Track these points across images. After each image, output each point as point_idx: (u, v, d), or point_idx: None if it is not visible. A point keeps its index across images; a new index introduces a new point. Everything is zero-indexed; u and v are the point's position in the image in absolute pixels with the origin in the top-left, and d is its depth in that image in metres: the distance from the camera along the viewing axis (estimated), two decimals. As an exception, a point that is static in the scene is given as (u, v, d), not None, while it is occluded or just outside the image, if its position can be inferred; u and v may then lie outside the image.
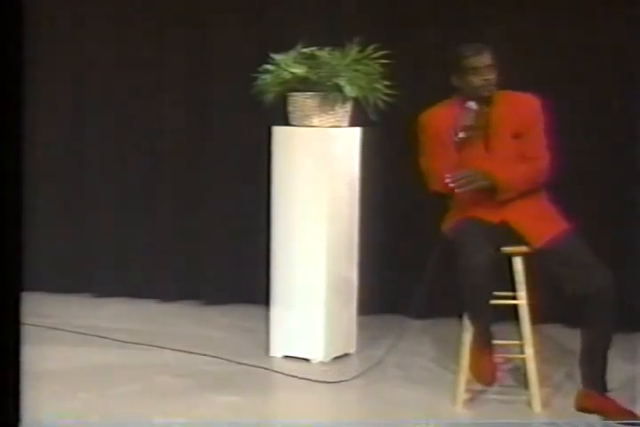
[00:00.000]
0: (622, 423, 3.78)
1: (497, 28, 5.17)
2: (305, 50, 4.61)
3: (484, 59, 3.92)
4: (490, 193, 3.92)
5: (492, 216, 3.96)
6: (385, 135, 5.14)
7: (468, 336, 3.98)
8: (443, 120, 3.95)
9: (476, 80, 3.93)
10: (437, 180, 3.95)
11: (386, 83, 4.61)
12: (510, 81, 4.00)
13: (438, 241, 4.08)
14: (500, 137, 3.97)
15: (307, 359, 4.65)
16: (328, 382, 4.30)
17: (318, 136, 4.62)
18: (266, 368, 4.52)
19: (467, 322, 3.97)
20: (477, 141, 3.96)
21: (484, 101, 3.96)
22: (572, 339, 4.80)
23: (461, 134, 3.89)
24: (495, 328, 3.93)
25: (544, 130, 4.00)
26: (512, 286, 3.99)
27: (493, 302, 3.86)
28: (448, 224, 4.06)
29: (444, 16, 5.39)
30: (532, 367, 3.97)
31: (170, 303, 5.86)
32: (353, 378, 4.35)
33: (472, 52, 3.93)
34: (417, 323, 5.39)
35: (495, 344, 3.94)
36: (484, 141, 3.98)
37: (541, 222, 3.95)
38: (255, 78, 4.65)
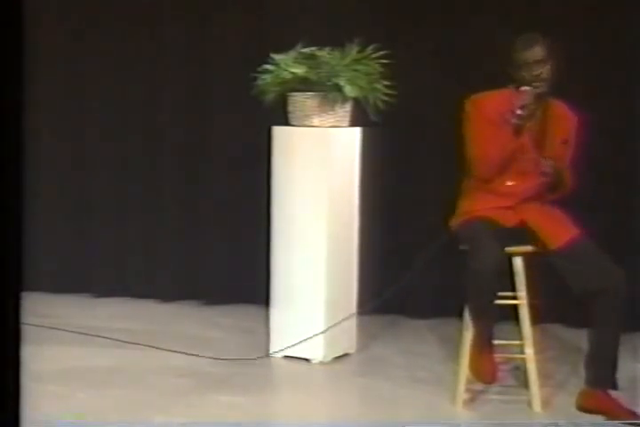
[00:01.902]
0: (625, 423, 3.78)
1: (498, 27, 5.17)
2: (305, 50, 4.61)
3: (535, 53, 3.89)
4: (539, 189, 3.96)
5: (507, 219, 3.95)
6: (385, 135, 5.14)
7: (468, 336, 3.98)
8: (498, 104, 3.90)
9: (527, 75, 3.90)
10: (487, 165, 3.93)
11: (386, 83, 4.61)
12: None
13: (442, 237, 4.09)
14: (553, 141, 4.00)
15: (307, 359, 4.65)
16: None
17: (318, 136, 4.62)
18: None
19: (467, 321, 3.97)
20: (528, 142, 3.96)
21: (537, 99, 3.92)
22: (573, 339, 4.81)
23: (519, 111, 3.81)
24: (495, 328, 3.93)
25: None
26: (512, 286, 3.99)
27: (496, 302, 3.86)
28: (457, 220, 4.05)
29: (444, 16, 5.39)
30: (531, 367, 3.97)
31: (170, 303, 5.85)
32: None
33: (523, 45, 3.91)
34: (417, 323, 5.39)
35: (495, 344, 3.94)
36: (536, 143, 3.98)
37: (559, 224, 3.96)
38: (255, 78, 4.65)
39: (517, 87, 3.91)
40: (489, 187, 3.98)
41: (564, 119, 4.04)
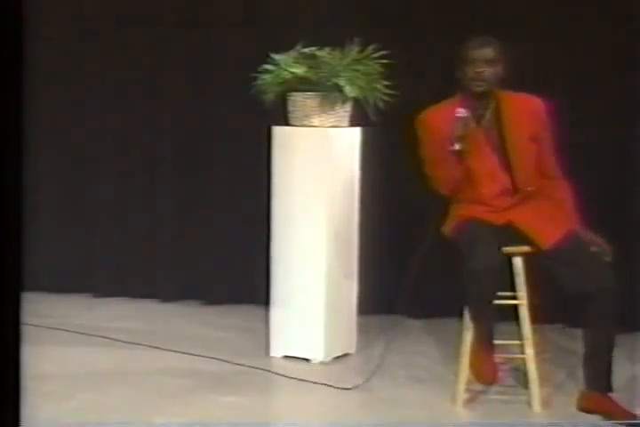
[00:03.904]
0: (624, 424, 3.78)
1: (497, 28, 5.16)
2: (305, 50, 4.61)
3: (485, 52, 3.87)
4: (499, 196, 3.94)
5: (496, 218, 3.94)
6: (385, 135, 5.14)
7: (468, 336, 3.98)
8: (442, 123, 3.89)
9: (470, 71, 3.88)
10: (444, 187, 4.00)
11: (386, 83, 4.61)
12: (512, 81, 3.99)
13: (426, 238, 4.10)
14: (518, 140, 3.95)
15: (307, 359, 4.65)
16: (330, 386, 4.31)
17: (318, 136, 4.62)
18: (266, 369, 4.53)
19: (467, 321, 3.97)
20: (487, 147, 3.93)
21: (482, 100, 3.93)
22: (573, 339, 4.80)
23: (457, 146, 3.84)
24: (495, 328, 3.93)
25: (551, 136, 4.03)
26: (512, 286, 3.99)
27: (496, 302, 3.86)
28: (449, 225, 4.05)
29: (445, 16, 5.39)
30: (532, 367, 3.97)
31: (170, 303, 5.85)
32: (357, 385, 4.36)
33: (475, 44, 3.90)
34: (417, 323, 5.40)
35: (495, 344, 3.94)
36: (497, 146, 3.95)
37: (548, 223, 3.93)
38: (255, 78, 4.65)
39: (463, 97, 3.92)
40: (468, 197, 3.98)
41: (527, 113, 3.97)
